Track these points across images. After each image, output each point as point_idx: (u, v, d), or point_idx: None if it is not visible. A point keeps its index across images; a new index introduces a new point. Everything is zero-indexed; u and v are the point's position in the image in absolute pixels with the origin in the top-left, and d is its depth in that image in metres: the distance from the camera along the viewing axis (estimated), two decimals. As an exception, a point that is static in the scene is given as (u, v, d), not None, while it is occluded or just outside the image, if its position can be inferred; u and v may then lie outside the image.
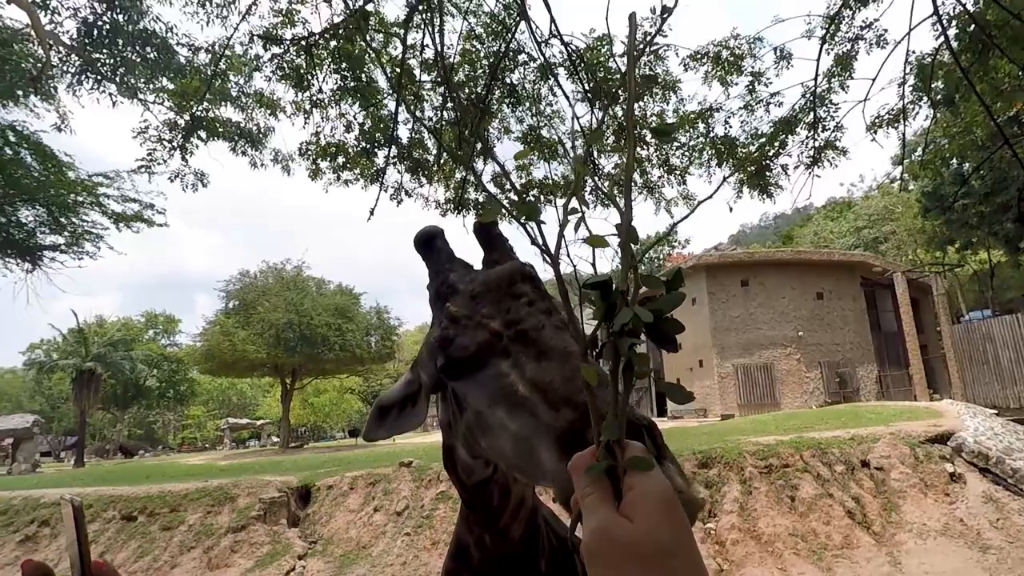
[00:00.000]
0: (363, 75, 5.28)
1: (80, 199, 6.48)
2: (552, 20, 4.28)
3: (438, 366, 1.06)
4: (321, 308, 21.75)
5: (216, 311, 23.56)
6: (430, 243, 1.24)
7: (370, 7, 4.94)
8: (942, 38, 4.51)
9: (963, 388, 14.55)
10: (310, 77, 5.06)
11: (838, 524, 6.34)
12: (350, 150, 5.41)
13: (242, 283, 22.99)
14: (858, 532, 6.26)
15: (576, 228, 0.62)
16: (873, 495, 6.81)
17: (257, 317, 21.07)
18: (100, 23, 5.24)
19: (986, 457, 7.13)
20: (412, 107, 5.26)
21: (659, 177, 5.91)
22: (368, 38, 4.97)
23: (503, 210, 1.12)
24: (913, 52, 5.58)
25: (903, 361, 17.72)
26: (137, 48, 5.34)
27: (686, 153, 5.70)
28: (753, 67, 5.43)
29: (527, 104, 5.81)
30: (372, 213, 4.87)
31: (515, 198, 6.05)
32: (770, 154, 5.29)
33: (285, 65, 4.98)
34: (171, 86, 5.66)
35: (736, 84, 5.48)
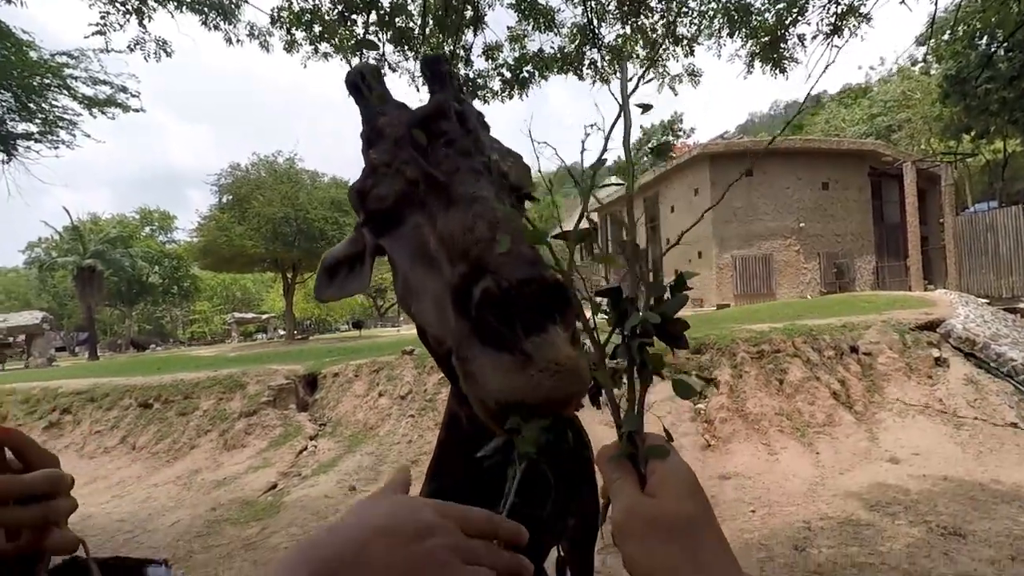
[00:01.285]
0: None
1: (46, 81, 6.09)
2: None
3: (359, 223, 0.96)
4: (317, 202, 21.46)
5: (210, 206, 23.29)
6: (359, 84, 1.07)
7: None
8: None
9: (959, 279, 14.68)
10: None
11: (822, 404, 6.63)
12: (326, 15, 4.97)
13: (233, 177, 22.50)
14: (841, 411, 6.57)
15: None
16: (859, 378, 7.07)
17: (252, 212, 20.84)
18: None
19: (972, 343, 7.31)
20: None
21: (664, 48, 5.47)
22: None
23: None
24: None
25: (902, 253, 17.76)
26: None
27: (694, 20, 5.25)
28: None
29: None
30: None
31: (507, 73, 5.69)
32: (787, 22, 4.87)
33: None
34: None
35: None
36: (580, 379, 0.65)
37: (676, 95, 5.89)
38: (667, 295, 0.61)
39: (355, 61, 5.08)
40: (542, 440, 0.64)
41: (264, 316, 37.83)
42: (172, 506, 6.10)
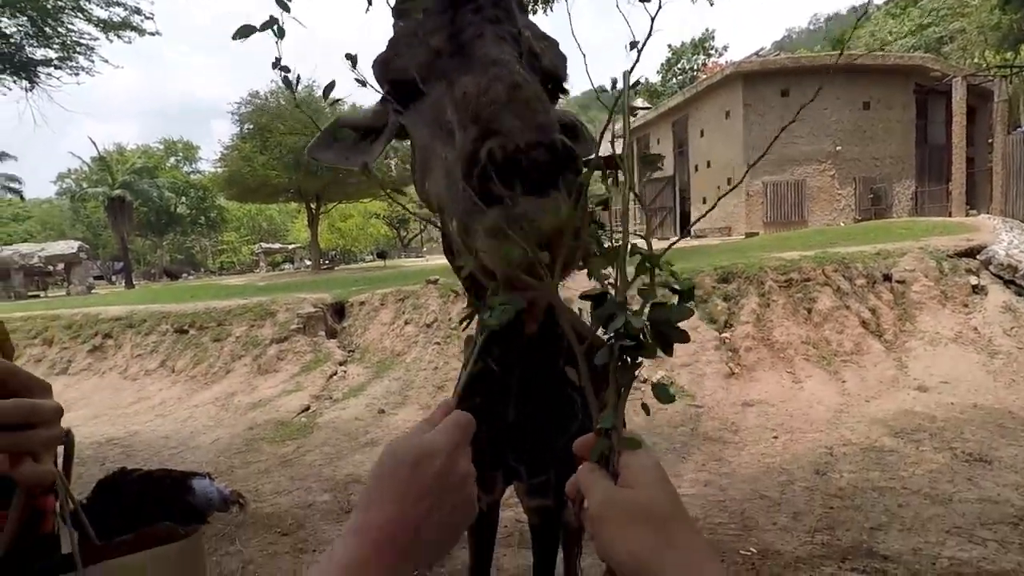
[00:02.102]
0: None
1: (60, 3, 5.92)
2: None
3: (383, 95, 0.91)
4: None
5: (232, 136, 23.13)
6: None
7: None
8: None
9: (1004, 203, 13.99)
10: None
11: (851, 333, 6.54)
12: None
13: (253, 105, 22.17)
14: (870, 340, 6.47)
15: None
16: (891, 307, 6.91)
17: (274, 140, 20.66)
18: None
19: (1015, 269, 7.03)
20: None
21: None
22: None
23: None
24: None
25: (944, 176, 16.91)
26: None
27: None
28: None
29: None
30: (370, 3, 4.35)
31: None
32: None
33: None
34: None
35: None
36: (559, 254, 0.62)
37: (712, 4, 5.46)
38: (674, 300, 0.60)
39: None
40: (508, 315, 0.63)
41: (291, 247, 38.34)
42: (211, 425, 6.42)
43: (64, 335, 9.86)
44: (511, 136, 0.62)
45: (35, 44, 6.28)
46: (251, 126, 21.94)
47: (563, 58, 0.94)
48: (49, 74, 6.44)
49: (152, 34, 6.69)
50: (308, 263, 28.67)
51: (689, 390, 5.93)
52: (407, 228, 41.41)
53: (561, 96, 0.99)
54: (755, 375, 6.13)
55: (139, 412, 7.24)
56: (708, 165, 19.77)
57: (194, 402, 7.33)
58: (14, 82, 6.44)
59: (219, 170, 24.36)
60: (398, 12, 0.95)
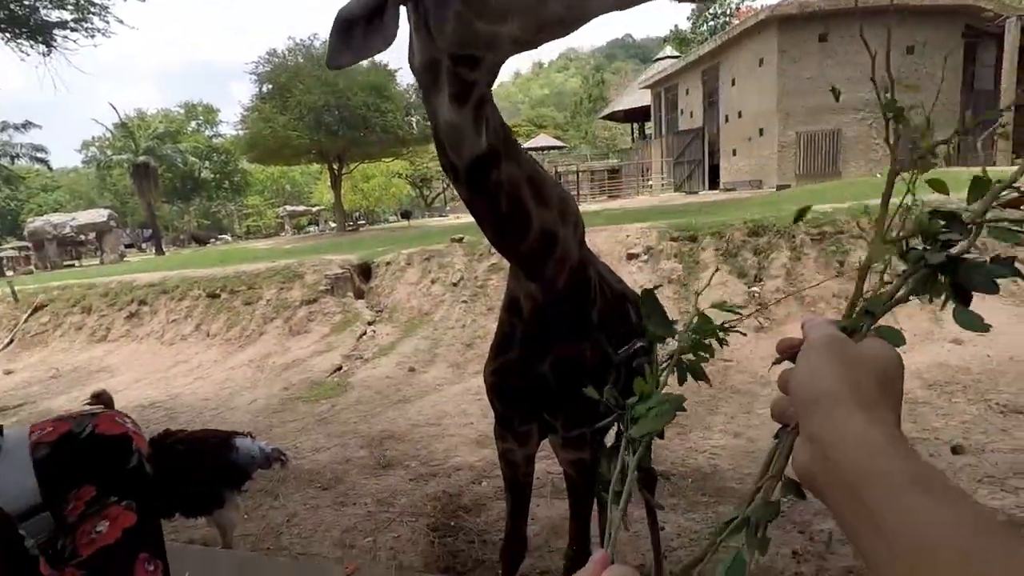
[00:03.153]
0: None
1: (71, -38, 5.91)
2: None
3: None
4: (357, 87, 20.87)
5: (252, 97, 23.05)
6: None
7: None
8: None
9: (1052, 149, 13.30)
10: None
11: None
12: None
13: (272, 64, 21.97)
14: (905, 293, 6.32)
15: None
16: (928, 259, 6.71)
17: (293, 100, 20.53)
18: None
19: (1062, 218, 6.74)
20: None
21: None
22: None
23: None
24: None
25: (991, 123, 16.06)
26: None
27: None
28: None
29: None
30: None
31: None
32: None
33: None
34: None
35: None
36: None
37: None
38: None
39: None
40: (659, 424, 0.61)
41: (314, 208, 38.60)
42: (248, 387, 6.64)
43: (101, 303, 10.18)
44: None
45: (49, 6, 6.27)
46: (270, 86, 21.81)
47: None
48: (65, 36, 6.44)
49: (165, -8, 6.64)
50: (333, 225, 28.87)
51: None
52: (430, 187, 41.25)
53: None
54: (784, 329, 6.05)
55: (178, 375, 7.51)
56: (739, 116, 19.07)
57: (230, 364, 7.56)
58: (31, 46, 6.45)
59: (240, 133, 24.39)
60: None
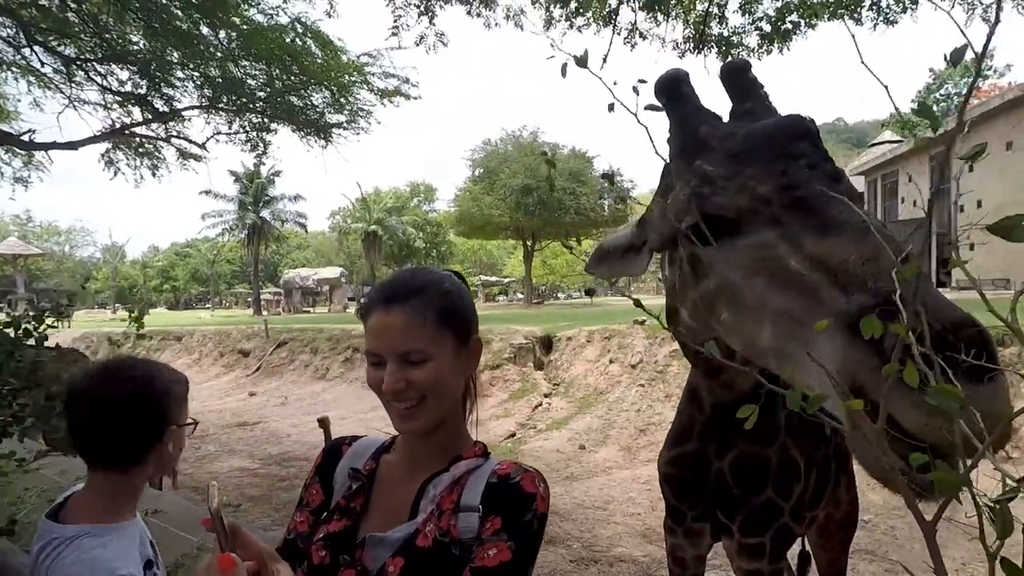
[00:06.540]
0: None
1: (353, 79, 7.47)
2: None
3: (684, 226, 0.96)
4: (556, 173, 22.51)
5: (465, 179, 26.04)
6: (674, 89, 1.09)
7: None
8: None
9: None
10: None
11: None
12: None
13: (485, 151, 24.72)
14: None
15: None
16: None
17: (499, 183, 22.73)
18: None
19: None
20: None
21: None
22: None
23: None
24: None
25: None
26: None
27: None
28: None
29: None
30: (605, 61, 4.63)
31: (766, 27, 5.15)
32: None
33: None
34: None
35: None
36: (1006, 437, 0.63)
37: (993, 20, 4.67)
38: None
39: (605, 33, 5.15)
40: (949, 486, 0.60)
41: (505, 280, 41.24)
42: (432, 438, 7.15)
43: (325, 346, 11.93)
44: (933, 315, 0.65)
45: (332, 111, 7.99)
46: (481, 170, 24.46)
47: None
48: (339, 134, 8.12)
49: (415, 98, 8.02)
50: (520, 296, 30.49)
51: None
52: (614, 269, 41.65)
53: None
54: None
55: (375, 420, 8.38)
56: (979, 205, 16.45)
57: (419, 415, 8.24)
58: (315, 141, 8.22)
59: (452, 209, 27.50)
60: (682, 148, 1.04)
